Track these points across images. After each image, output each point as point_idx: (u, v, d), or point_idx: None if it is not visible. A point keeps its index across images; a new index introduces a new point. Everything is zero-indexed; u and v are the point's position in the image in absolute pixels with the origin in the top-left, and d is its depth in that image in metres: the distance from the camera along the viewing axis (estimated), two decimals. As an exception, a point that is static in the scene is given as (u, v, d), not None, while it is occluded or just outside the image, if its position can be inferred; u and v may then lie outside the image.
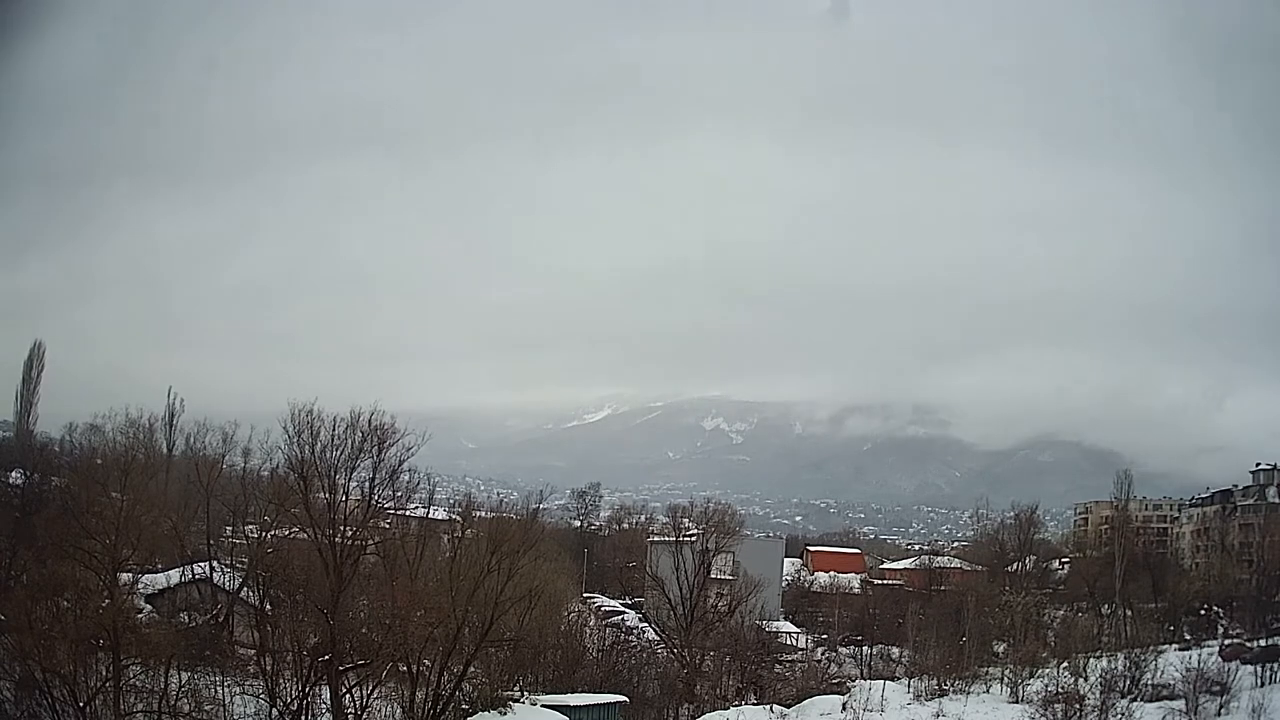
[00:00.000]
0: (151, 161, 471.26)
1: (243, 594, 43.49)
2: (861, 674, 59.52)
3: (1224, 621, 70.11)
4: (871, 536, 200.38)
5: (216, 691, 33.76)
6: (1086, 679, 44.36)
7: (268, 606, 41.94)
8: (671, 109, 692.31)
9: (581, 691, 42.39)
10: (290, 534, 41.45)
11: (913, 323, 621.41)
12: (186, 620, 40.53)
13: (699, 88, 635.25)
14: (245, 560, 45.99)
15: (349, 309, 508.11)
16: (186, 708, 31.62)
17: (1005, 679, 47.75)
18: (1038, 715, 39.41)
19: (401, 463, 40.66)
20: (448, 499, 67.93)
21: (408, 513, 50.87)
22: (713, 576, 65.25)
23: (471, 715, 35.63)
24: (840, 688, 51.17)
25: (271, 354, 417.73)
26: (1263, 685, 43.38)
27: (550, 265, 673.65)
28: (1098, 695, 40.71)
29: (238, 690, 34.85)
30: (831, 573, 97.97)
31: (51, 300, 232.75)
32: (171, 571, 43.73)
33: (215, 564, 45.75)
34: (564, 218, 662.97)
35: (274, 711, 34.33)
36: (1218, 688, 41.77)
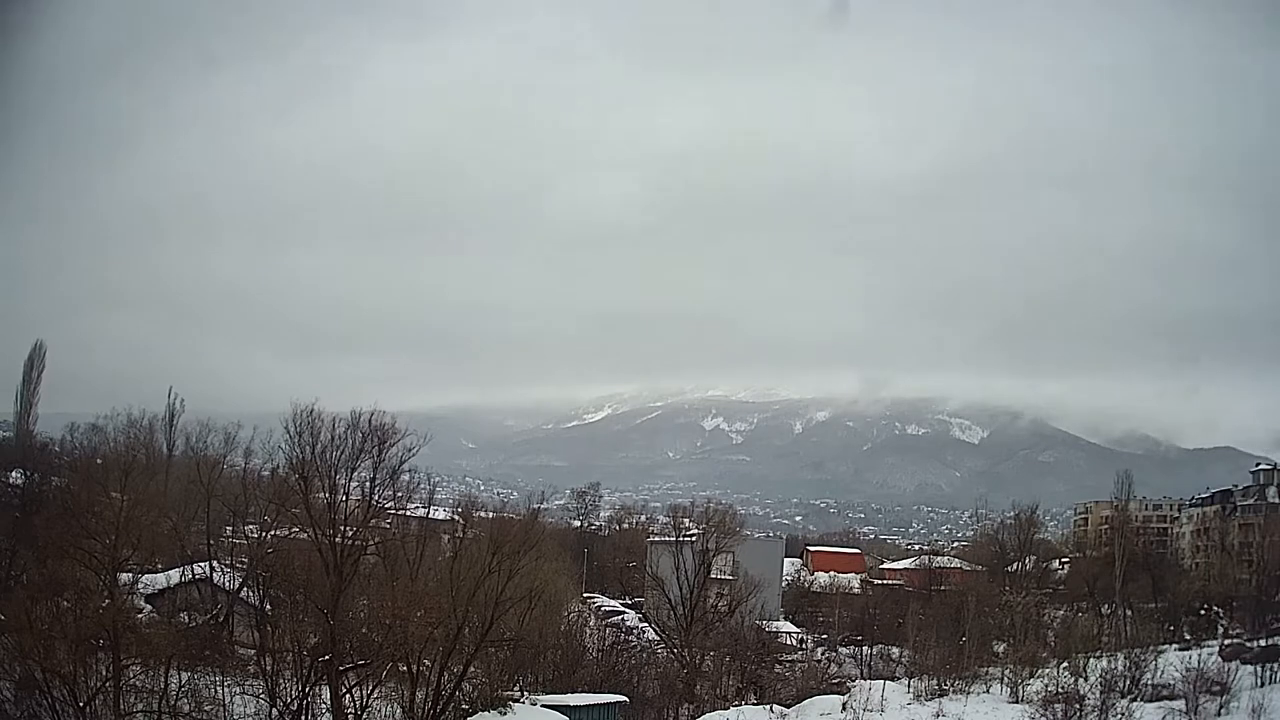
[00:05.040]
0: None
1: (243, 594, 43.49)
2: (861, 674, 59.49)
3: (1224, 621, 70.03)
4: (871, 536, 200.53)
5: (216, 691, 33.69)
6: (1086, 679, 44.24)
7: (268, 606, 41.94)
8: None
9: (581, 691, 42.32)
10: (290, 534, 41.46)
11: (914, 324, 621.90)
12: (186, 620, 40.45)
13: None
14: (245, 560, 46.03)
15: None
16: (186, 708, 31.56)
17: (1005, 679, 47.64)
18: (1038, 715, 39.30)
19: (402, 463, 40.79)
20: (448, 499, 68.21)
21: (408, 513, 50.90)
22: (713, 576, 65.23)
23: (471, 715, 35.58)
24: (840, 688, 51.10)
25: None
26: (1263, 685, 43.24)
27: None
28: (1098, 695, 40.58)
29: (238, 690, 34.77)
30: (831, 573, 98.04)
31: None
32: (171, 571, 43.71)
33: (215, 564, 45.73)
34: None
35: (274, 711, 34.31)
36: (1218, 688, 41.65)
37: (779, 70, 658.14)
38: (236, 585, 43.87)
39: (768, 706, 46.49)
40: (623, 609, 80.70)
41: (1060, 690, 41.95)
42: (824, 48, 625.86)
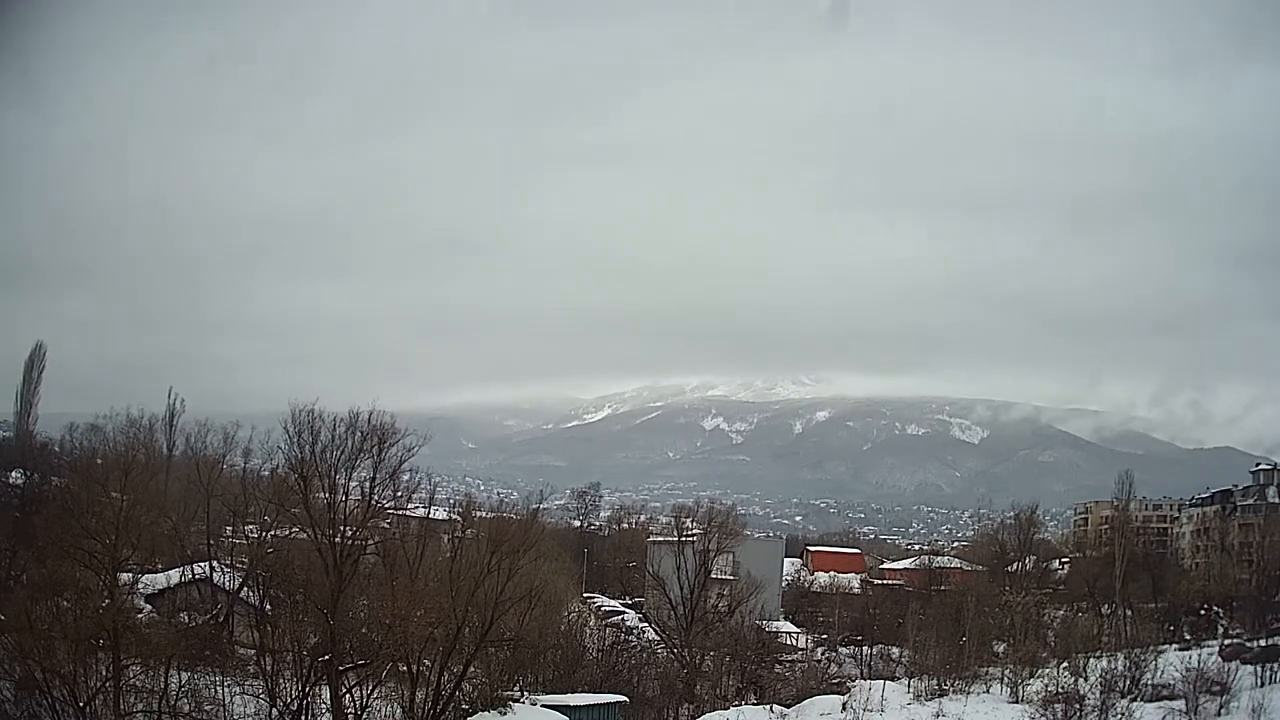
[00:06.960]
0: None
1: (243, 594, 43.47)
2: (861, 674, 59.54)
3: (1224, 621, 70.01)
4: (871, 536, 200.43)
5: (216, 691, 33.69)
6: (1086, 679, 44.28)
7: (268, 606, 41.91)
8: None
9: (581, 691, 42.32)
10: (290, 534, 41.43)
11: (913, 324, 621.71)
12: (186, 620, 40.45)
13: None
14: (245, 560, 45.98)
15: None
16: (186, 708, 31.57)
17: (1005, 679, 47.68)
18: (1038, 715, 39.33)
19: (402, 463, 40.70)
20: (447, 499, 68.04)
21: (408, 513, 50.87)
22: (713, 576, 65.20)
23: (471, 715, 35.58)
24: (840, 688, 51.14)
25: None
26: (1263, 685, 43.28)
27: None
28: (1098, 695, 40.62)
29: (238, 690, 34.75)
30: (831, 573, 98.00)
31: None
32: (171, 571, 43.67)
33: (215, 564, 45.71)
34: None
35: (274, 711, 34.29)
36: (1218, 688, 41.68)
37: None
38: (236, 585, 43.85)
39: (768, 706, 46.51)
40: (623, 609, 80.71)
41: (1060, 690, 41.99)
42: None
